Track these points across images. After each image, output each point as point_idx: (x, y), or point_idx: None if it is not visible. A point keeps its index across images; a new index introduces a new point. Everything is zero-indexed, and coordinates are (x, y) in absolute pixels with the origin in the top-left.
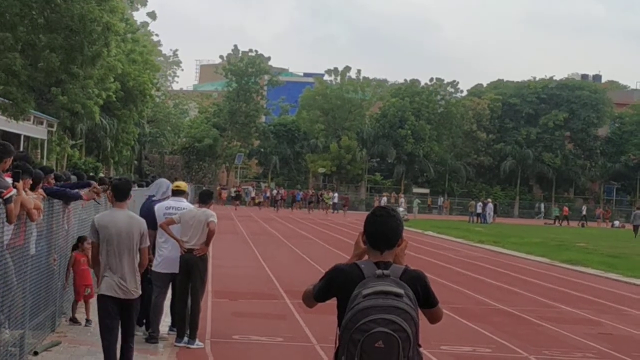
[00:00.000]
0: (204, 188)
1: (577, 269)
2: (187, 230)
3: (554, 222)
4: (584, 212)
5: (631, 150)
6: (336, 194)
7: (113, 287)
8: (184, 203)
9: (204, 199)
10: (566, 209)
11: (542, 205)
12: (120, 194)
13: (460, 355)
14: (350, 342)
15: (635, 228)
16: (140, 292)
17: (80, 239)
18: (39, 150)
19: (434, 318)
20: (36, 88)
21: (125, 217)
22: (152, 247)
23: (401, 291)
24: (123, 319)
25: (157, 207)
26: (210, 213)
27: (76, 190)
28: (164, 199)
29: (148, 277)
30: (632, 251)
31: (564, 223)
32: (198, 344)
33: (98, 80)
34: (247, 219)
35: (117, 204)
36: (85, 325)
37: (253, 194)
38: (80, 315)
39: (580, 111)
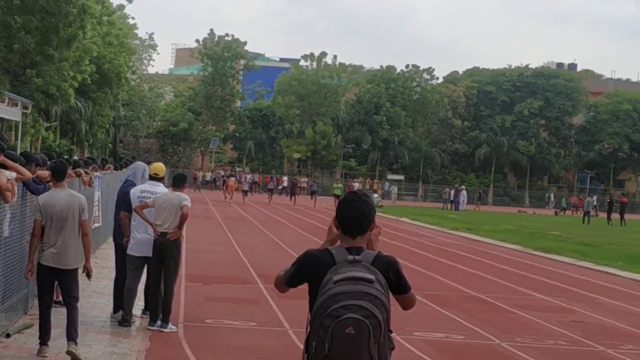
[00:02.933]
0: (178, 172)
1: (551, 257)
2: (161, 214)
3: (564, 212)
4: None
5: (605, 139)
6: (285, 177)
7: (49, 257)
8: (159, 187)
9: (177, 182)
10: (573, 198)
11: (552, 195)
12: (58, 174)
13: (433, 342)
14: (320, 327)
15: (586, 215)
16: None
17: None
18: (13, 132)
19: (406, 304)
20: (11, 70)
21: (66, 195)
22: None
23: (372, 277)
24: (62, 285)
25: (132, 190)
26: (184, 197)
27: (43, 186)
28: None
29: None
30: (605, 240)
31: (567, 212)
32: (171, 327)
33: (73, 62)
34: (222, 204)
35: (57, 184)
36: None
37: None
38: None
39: (555, 99)
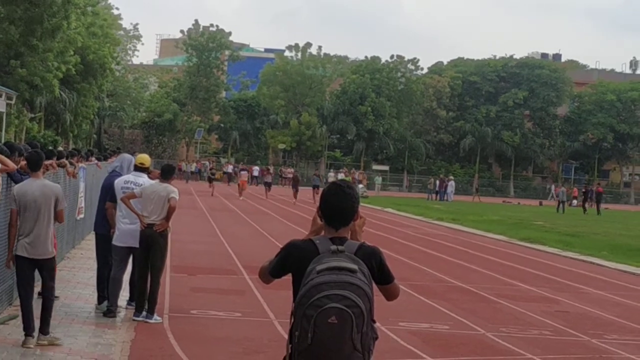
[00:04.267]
0: (166, 163)
1: (535, 247)
2: (148, 205)
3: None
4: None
5: (590, 130)
6: (256, 167)
7: (24, 247)
8: (142, 178)
9: (165, 174)
10: (557, 189)
11: (553, 187)
12: (32, 164)
13: (418, 332)
14: (303, 317)
15: (559, 204)
16: (53, 252)
17: None
18: None
19: (390, 294)
20: None
21: (40, 185)
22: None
23: (355, 267)
24: (41, 274)
25: (116, 181)
26: (172, 189)
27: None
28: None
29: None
30: (589, 230)
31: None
32: (156, 318)
33: (58, 53)
34: (207, 194)
35: (33, 174)
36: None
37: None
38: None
39: (540, 90)
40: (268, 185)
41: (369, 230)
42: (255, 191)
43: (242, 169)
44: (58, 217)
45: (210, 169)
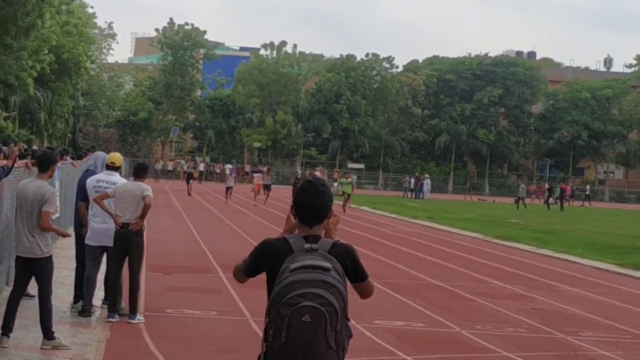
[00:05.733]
0: (139, 161)
1: (510, 244)
2: (122, 204)
3: (556, 202)
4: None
5: (564, 127)
6: (229, 166)
7: (18, 246)
8: (115, 177)
9: (138, 172)
10: (532, 187)
11: (546, 185)
12: (40, 165)
13: (393, 330)
14: (277, 316)
15: (518, 200)
16: (46, 253)
17: None
18: None
19: (364, 292)
20: None
21: (35, 185)
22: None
23: (329, 265)
24: (35, 275)
25: (88, 180)
26: (146, 187)
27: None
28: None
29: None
30: (564, 227)
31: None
32: (139, 318)
33: (32, 52)
34: (182, 193)
35: (39, 174)
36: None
37: (186, 168)
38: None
39: (515, 88)
40: (268, 188)
41: (344, 229)
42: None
43: (255, 171)
44: (41, 219)
45: (188, 167)
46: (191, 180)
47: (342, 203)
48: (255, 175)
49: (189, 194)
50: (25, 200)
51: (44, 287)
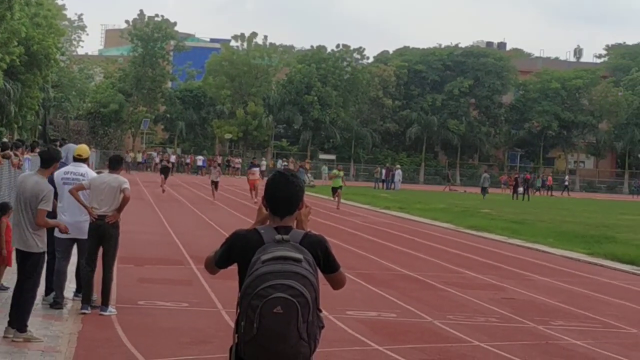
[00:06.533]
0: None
1: (482, 234)
2: (98, 197)
3: (540, 193)
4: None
5: (535, 118)
6: (200, 157)
7: (15, 239)
8: (82, 168)
9: (114, 164)
10: (503, 177)
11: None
12: (43, 161)
13: (365, 320)
14: (249, 307)
15: (483, 190)
16: (41, 249)
17: (3, 205)
18: None
19: (336, 283)
20: None
21: (33, 181)
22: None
23: (300, 256)
24: (25, 268)
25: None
26: (123, 180)
27: None
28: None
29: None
30: (535, 217)
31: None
32: (111, 310)
33: (1, 44)
34: (154, 185)
35: (40, 169)
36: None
37: (157, 160)
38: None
39: (485, 78)
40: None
41: (316, 220)
42: (203, 182)
43: (252, 165)
44: (37, 216)
45: (162, 160)
46: (163, 175)
47: (336, 200)
48: (252, 169)
49: (163, 191)
50: (23, 194)
51: (34, 281)
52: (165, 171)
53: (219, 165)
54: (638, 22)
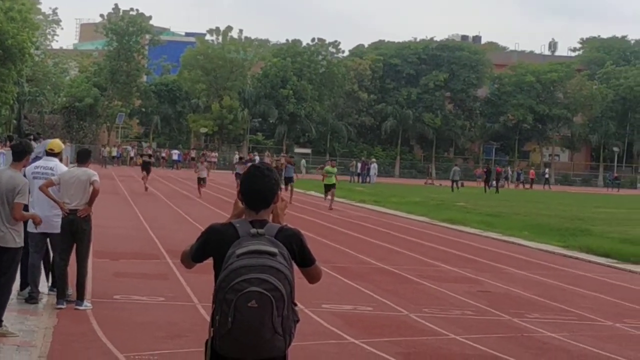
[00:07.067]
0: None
1: (457, 228)
2: (68, 191)
3: (523, 186)
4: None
5: (510, 111)
6: (175, 151)
7: None
8: (52, 163)
9: (82, 158)
10: (478, 170)
11: (509, 169)
12: (15, 155)
13: (341, 314)
14: (224, 301)
15: (453, 183)
16: (18, 244)
17: None
18: None
19: (312, 277)
20: None
21: (7, 175)
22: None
23: (275, 250)
24: (1, 264)
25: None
26: (92, 172)
27: None
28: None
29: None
30: (510, 210)
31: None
32: (86, 305)
33: None
34: (129, 179)
35: (13, 163)
36: None
37: (132, 154)
38: None
39: (460, 72)
40: (289, 183)
41: (292, 214)
42: (178, 175)
43: (248, 161)
44: (13, 210)
45: (142, 155)
46: (145, 172)
47: (328, 198)
48: (247, 165)
49: (146, 188)
50: None
51: (9, 275)
52: (146, 167)
53: (207, 161)
54: (613, 15)
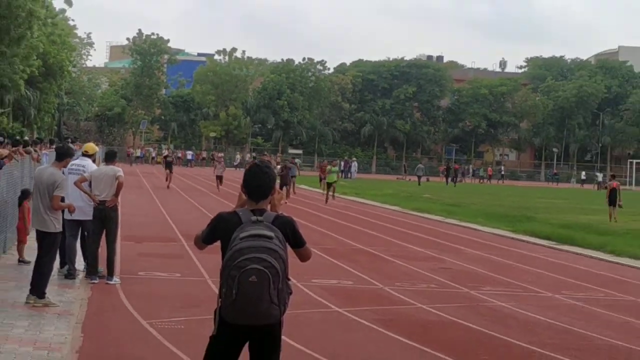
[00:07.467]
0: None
1: (423, 215)
2: (98, 185)
3: (484, 181)
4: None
5: (467, 118)
6: (189, 152)
7: (34, 221)
8: (85, 162)
9: (109, 157)
10: (442, 167)
11: (471, 167)
12: (57, 155)
13: (327, 287)
14: (229, 277)
15: (419, 178)
16: (58, 229)
17: (25, 191)
18: None
19: (303, 257)
20: None
21: (49, 172)
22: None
23: (272, 234)
24: (43, 245)
25: None
26: (118, 169)
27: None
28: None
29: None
30: (469, 200)
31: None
32: (115, 280)
33: (23, 57)
34: (151, 175)
35: (54, 162)
36: (19, 264)
37: (154, 154)
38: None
39: (426, 86)
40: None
41: (288, 204)
42: (193, 173)
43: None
44: (53, 200)
45: (166, 156)
46: (168, 170)
47: (325, 194)
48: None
49: (168, 186)
50: (41, 183)
51: (51, 256)
52: (169, 166)
53: (223, 160)
54: (553, 39)
